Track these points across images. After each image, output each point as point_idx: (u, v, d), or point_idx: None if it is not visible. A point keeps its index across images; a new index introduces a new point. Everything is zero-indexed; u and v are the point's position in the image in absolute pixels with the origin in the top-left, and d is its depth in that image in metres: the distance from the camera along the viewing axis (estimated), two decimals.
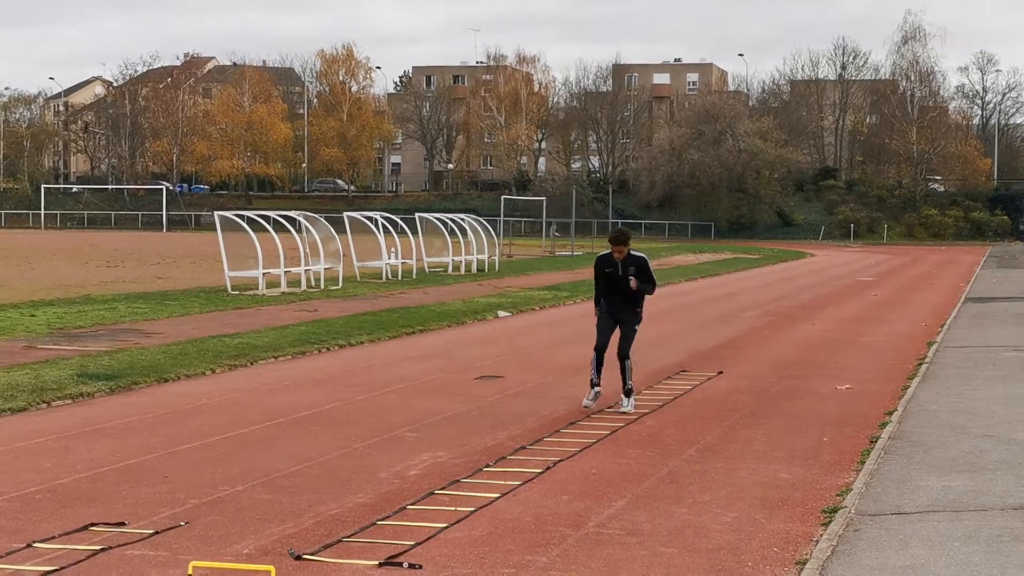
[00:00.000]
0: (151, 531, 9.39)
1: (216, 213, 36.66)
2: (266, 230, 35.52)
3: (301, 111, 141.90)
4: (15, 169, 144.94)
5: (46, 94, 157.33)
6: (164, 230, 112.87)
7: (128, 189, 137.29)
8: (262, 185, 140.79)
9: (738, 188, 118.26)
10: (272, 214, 38.35)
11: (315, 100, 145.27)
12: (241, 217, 35.29)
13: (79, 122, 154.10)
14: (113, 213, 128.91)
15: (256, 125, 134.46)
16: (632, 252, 15.38)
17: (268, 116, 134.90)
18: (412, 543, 9.10)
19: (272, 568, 7.67)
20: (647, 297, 15.73)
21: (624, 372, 15.36)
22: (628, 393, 15.41)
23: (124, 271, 46.14)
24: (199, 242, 74.80)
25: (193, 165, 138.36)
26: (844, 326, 27.77)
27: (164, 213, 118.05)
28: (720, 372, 19.17)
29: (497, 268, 49.89)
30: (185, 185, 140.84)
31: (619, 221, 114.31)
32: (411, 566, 8.51)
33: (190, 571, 7.62)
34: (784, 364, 20.50)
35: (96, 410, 15.34)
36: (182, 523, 9.67)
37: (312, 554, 8.80)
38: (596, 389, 15.40)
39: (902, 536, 9.08)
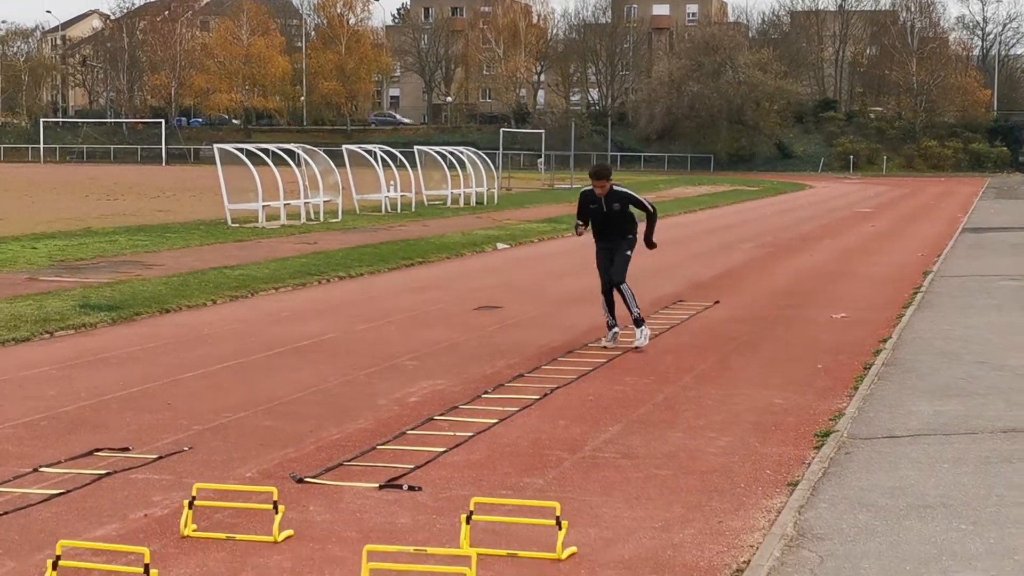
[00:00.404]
0: (155, 456, 9.56)
1: (215, 146, 36.70)
2: (265, 163, 35.57)
3: (299, 44, 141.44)
4: (13, 103, 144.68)
5: (43, 28, 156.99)
6: (163, 164, 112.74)
7: (127, 123, 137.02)
8: (261, 118, 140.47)
9: (737, 120, 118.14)
10: (271, 147, 38.41)
11: (313, 33, 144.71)
12: (241, 150, 35.28)
13: (77, 56, 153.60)
14: (112, 147, 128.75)
15: (254, 58, 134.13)
16: (615, 187, 14.86)
17: (266, 49, 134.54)
18: (412, 466, 9.26)
19: (274, 489, 7.84)
20: (657, 224, 15.21)
21: (626, 300, 14.80)
22: (639, 323, 14.82)
23: (124, 204, 46.21)
24: (199, 175, 74.75)
25: (192, 99, 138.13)
26: (841, 257, 27.92)
27: (163, 147, 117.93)
28: (717, 302, 19.32)
29: (496, 201, 49.97)
30: (184, 119, 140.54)
31: (618, 154, 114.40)
32: (411, 488, 8.68)
33: (194, 492, 7.78)
34: (781, 294, 20.66)
35: (98, 340, 15.49)
36: (185, 448, 9.83)
37: (314, 477, 8.97)
38: (614, 330, 14.94)
39: (892, 458, 9.25)
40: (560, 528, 7.28)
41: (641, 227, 15.07)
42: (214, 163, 36.16)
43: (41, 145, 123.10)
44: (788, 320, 17.48)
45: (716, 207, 51.45)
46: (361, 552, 6.68)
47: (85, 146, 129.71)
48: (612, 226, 14.91)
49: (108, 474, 9.01)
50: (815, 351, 14.74)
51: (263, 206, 34.25)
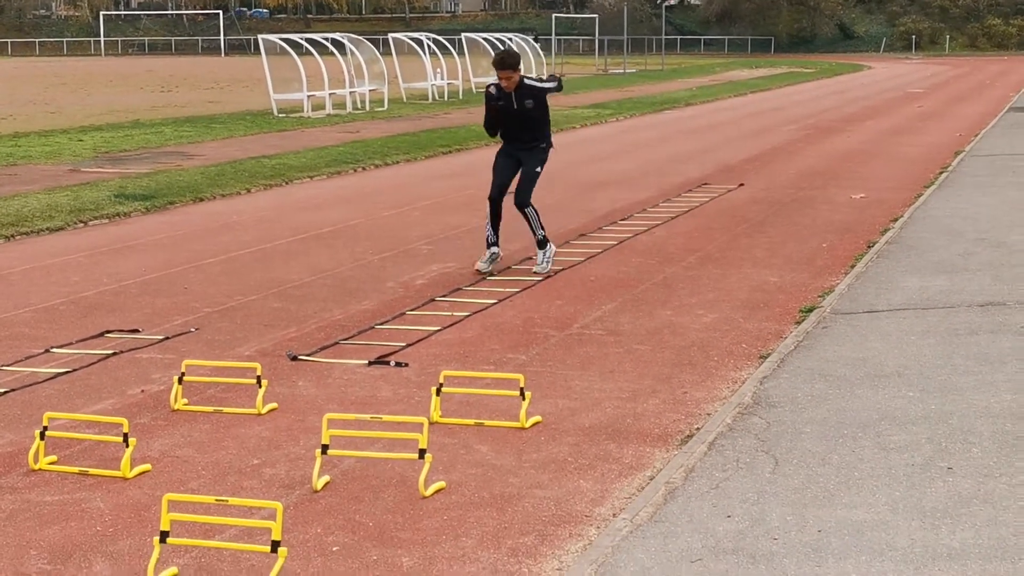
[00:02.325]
0: (161, 336, 10.03)
1: (260, 37, 37.02)
2: (311, 54, 35.86)
3: None
4: None
5: None
6: (222, 55, 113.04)
7: (187, 15, 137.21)
8: (320, 8, 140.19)
9: (798, 1, 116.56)
10: (317, 36, 38.62)
11: None
12: (286, 40, 35.56)
13: None
14: (173, 39, 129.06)
15: None
16: (527, 79, 12.66)
17: None
18: (403, 344, 9.69)
19: (258, 365, 8.29)
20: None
21: (530, 223, 12.77)
22: (542, 244, 12.75)
23: (176, 96, 46.71)
24: (254, 66, 74.94)
25: None
26: (879, 138, 27.92)
27: (222, 38, 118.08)
28: (741, 184, 19.52)
29: None
30: (245, 9, 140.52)
31: (677, 38, 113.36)
32: (397, 364, 9.10)
33: (183, 369, 8.24)
34: (807, 175, 20.82)
35: (130, 228, 16.00)
36: (192, 329, 10.30)
37: (308, 355, 9.41)
38: (493, 250, 12.73)
39: (864, 332, 9.56)
40: (523, 399, 7.68)
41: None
42: (281, 55, 36.46)
43: (102, 38, 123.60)
44: (806, 201, 17.68)
45: (767, 90, 51.20)
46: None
47: (146, 39, 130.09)
48: (525, 129, 12.82)
49: (114, 354, 9.50)
50: (824, 231, 14.99)
51: (308, 96, 34.58)
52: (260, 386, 8.03)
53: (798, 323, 10.19)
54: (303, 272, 12.80)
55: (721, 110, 37.94)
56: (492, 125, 12.93)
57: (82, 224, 16.21)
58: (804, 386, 8.12)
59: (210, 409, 8.03)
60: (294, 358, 9.33)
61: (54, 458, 7.03)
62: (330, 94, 35.73)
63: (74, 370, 9.05)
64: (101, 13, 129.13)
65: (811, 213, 16.53)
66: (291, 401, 8.23)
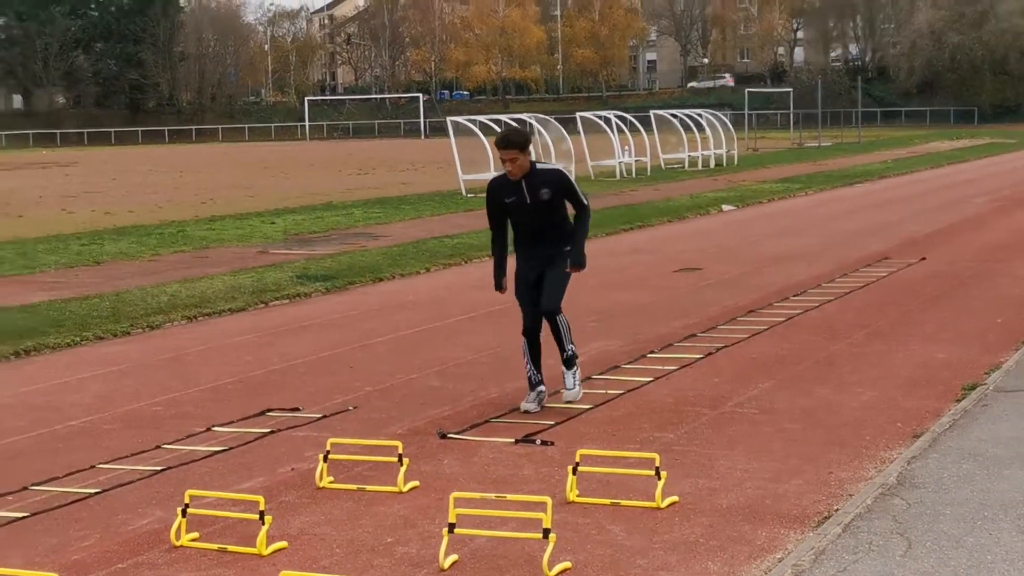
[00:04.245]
0: (319, 415, 10.24)
1: (448, 119, 37.75)
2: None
3: (554, 12, 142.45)
4: (283, 83, 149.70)
5: (308, 9, 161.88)
6: (423, 137, 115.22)
7: (389, 99, 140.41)
8: (519, 89, 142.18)
9: (1002, 71, 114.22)
10: (503, 118, 39.18)
11: (567, 1, 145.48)
12: (473, 122, 36.18)
13: (342, 34, 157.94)
14: (376, 122, 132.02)
15: (510, 29, 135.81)
16: (539, 165, 10.28)
17: (521, 20, 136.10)
18: (552, 423, 9.73)
19: (399, 443, 8.41)
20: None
21: (559, 335, 10.43)
22: (569, 362, 10.47)
23: (371, 178, 47.75)
24: (450, 148, 76.28)
25: (452, 72, 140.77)
26: None
27: (422, 120, 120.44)
28: (923, 258, 19.15)
29: (736, 162, 49.81)
30: (447, 92, 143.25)
31: (877, 110, 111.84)
32: (543, 443, 9.14)
33: (327, 447, 8.40)
34: (992, 248, 20.34)
35: (308, 309, 16.38)
36: (350, 408, 10.49)
37: (458, 433, 9.51)
38: (539, 389, 10.35)
39: None
40: (659, 478, 7.64)
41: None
42: (470, 136, 37.14)
43: (306, 123, 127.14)
44: (987, 275, 17.26)
45: (964, 161, 50.22)
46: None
47: (350, 122, 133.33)
48: (547, 226, 10.31)
49: (271, 432, 9.73)
50: (1000, 306, 14.61)
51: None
52: (401, 464, 8.13)
53: (958, 400, 9.94)
54: (467, 350, 12.95)
55: (914, 182, 37.34)
56: (495, 223, 10.55)
57: (263, 305, 16.65)
58: (952, 466, 7.92)
59: (353, 487, 8.16)
60: (443, 436, 9.43)
61: (196, 535, 7.22)
62: None
63: (230, 448, 9.29)
64: (307, 99, 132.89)
65: (990, 287, 16.13)
66: (434, 479, 8.32)
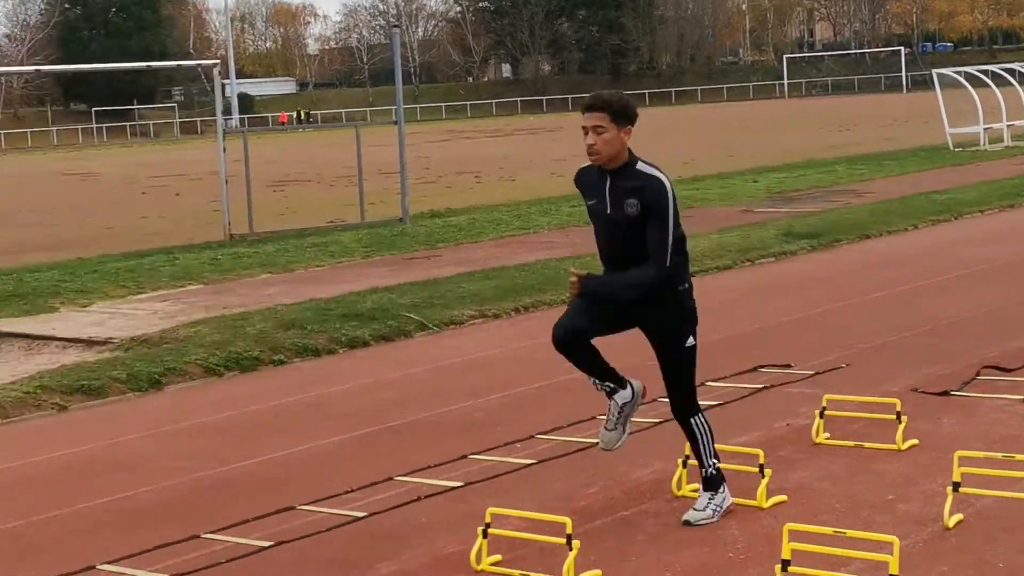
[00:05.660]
0: (811, 372, 10.24)
1: (934, 71, 36.72)
2: (988, 86, 35.03)
3: None
4: (761, 42, 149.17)
5: None
6: (904, 91, 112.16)
7: (868, 53, 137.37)
8: (1007, 38, 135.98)
9: None
10: (992, 67, 37.67)
11: None
12: (959, 73, 34.98)
13: None
14: (856, 78, 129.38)
15: None
16: (642, 165, 6.67)
17: None
18: None
19: (898, 401, 8.28)
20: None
21: (699, 443, 6.99)
22: (711, 484, 6.95)
23: (853, 135, 47.02)
24: (934, 101, 74.02)
25: (934, 23, 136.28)
26: None
27: (903, 74, 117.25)
28: None
29: None
30: (929, 44, 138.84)
31: None
32: None
33: (823, 403, 8.38)
34: None
35: (793, 266, 16.39)
36: (843, 365, 10.43)
37: (956, 391, 9.28)
38: (620, 393, 7.12)
39: None
40: None
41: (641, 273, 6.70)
42: (956, 87, 36.03)
43: (785, 81, 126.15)
44: None
45: None
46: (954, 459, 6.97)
47: (829, 79, 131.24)
48: (629, 258, 6.69)
49: (765, 388, 9.81)
50: None
51: (984, 129, 33.78)
52: (900, 422, 8.03)
53: None
54: (961, 308, 12.60)
55: None
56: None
57: (748, 263, 16.73)
58: None
59: (851, 444, 8.12)
60: (943, 393, 9.23)
61: (695, 486, 7.32)
62: (1008, 125, 34.70)
63: (726, 403, 9.42)
64: (784, 57, 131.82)
65: None
66: (934, 438, 8.16)
